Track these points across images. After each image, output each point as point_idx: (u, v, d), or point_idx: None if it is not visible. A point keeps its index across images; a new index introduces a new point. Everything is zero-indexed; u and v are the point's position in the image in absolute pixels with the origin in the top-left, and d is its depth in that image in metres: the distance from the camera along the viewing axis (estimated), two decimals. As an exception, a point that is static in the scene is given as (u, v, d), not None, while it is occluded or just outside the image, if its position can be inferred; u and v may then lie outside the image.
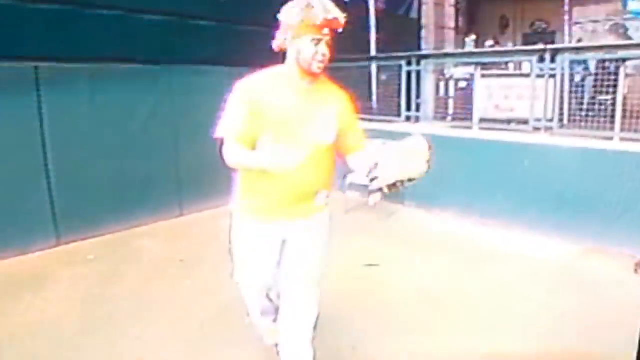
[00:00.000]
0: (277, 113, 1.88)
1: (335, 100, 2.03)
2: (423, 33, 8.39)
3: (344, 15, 1.87)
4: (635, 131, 4.11)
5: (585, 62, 5.74)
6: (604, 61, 4.57)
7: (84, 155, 4.26)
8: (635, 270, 3.68)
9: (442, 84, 7.23)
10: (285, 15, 1.86)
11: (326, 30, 1.83)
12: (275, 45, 1.92)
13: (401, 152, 1.90)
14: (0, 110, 3.79)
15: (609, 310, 3.10)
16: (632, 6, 6.22)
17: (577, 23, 8.96)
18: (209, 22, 5.06)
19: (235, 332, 2.86)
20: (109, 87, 4.37)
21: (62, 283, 3.56)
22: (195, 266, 3.83)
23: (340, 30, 1.88)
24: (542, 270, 3.74)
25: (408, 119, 5.48)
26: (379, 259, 3.92)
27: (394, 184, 1.88)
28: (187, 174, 4.97)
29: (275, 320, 2.40)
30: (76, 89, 4.20)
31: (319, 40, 1.83)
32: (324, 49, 1.84)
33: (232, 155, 1.89)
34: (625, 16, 7.86)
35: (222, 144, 1.91)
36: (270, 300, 2.41)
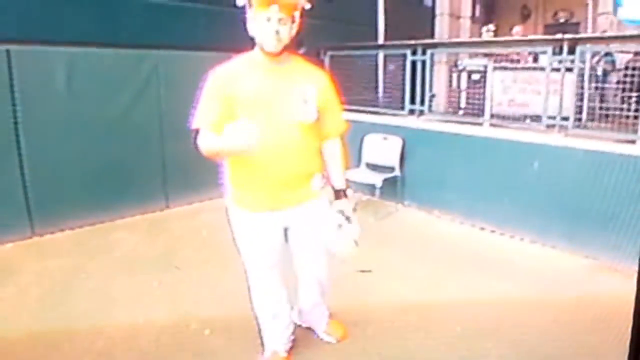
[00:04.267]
0: (249, 97, 1.86)
1: (313, 79, 2.00)
2: (437, 22, 7.82)
3: None
4: None
5: (610, 55, 5.18)
6: (636, 54, 4.02)
7: (61, 144, 3.93)
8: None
9: (455, 76, 6.76)
10: None
11: (274, 7, 1.80)
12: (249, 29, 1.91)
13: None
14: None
15: (618, 340, 2.63)
16: (622, 14, 5.60)
17: (602, 13, 8.26)
18: (201, 5, 4.63)
19: (192, 350, 2.51)
20: (88, 71, 4.00)
21: (25, 277, 3.27)
22: (167, 265, 3.48)
23: (302, 6, 1.88)
24: (547, 285, 3.25)
25: (412, 112, 5.00)
26: (370, 262, 3.48)
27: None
28: (174, 164, 4.59)
29: (288, 328, 2.35)
30: (52, 74, 3.84)
31: (269, 19, 1.81)
32: (275, 26, 1.81)
33: (205, 144, 1.85)
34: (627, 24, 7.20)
35: (196, 135, 1.88)
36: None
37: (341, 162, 2.15)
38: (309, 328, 2.59)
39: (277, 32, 1.82)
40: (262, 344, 2.39)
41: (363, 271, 3.41)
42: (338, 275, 2.59)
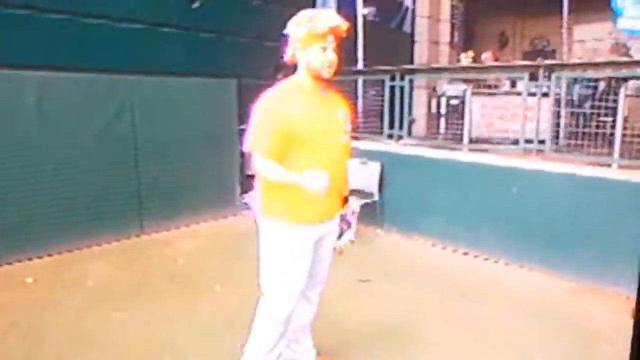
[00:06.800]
0: (301, 122, 1.97)
1: (343, 104, 2.18)
2: (416, 48, 7.99)
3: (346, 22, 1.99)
4: (637, 158, 3.64)
5: (586, 81, 5.32)
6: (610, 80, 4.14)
7: (31, 169, 3.84)
8: (633, 316, 3.19)
9: (434, 101, 6.85)
10: (292, 29, 1.98)
11: (330, 38, 1.95)
12: (287, 58, 2.03)
13: None
14: None
15: (599, 353, 2.62)
16: (622, 24, 5.79)
17: (577, 41, 8.55)
18: (176, 30, 4.64)
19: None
20: (59, 96, 3.95)
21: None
22: (140, 295, 3.38)
23: (344, 35, 2.00)
24: (528, 310, 3.22)
25: (390, 137, 5.05)
26: (350, 288, 3.46)
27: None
28: (150, 190, 4.53)
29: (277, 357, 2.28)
30: (21, 98, 3.78)
31: (325, 48, 1.95)
32: (331, 56, 1.96)
33: (268, 171, 1.99)
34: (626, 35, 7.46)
35: (250, 156, 2.02)
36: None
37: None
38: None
39: (332, 60, 1.97)
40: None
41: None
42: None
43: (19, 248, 3.84)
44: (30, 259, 3.89)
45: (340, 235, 2.22)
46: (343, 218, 2.23)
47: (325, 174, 1.88)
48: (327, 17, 1.96)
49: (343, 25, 1.98)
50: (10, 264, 3.81)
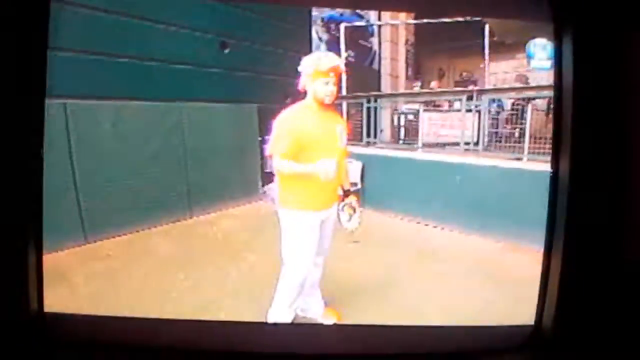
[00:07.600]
0: (309, 134, 1.97)
1: (341, 121, 2.17)
2: (382, 80, 7.92)
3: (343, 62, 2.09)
4: (537, 154, 3.82)
5: (499, 100, 5.35)
6: (517, 99, 4.23)
7: (108, 173, 3.72)
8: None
9: (396, 117, 6.80)
10: (304, 66, 2.00)
11: (332, 74, 1.96)
12: (300, 87, 2.03)
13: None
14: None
15: (520, 294, 2.58)
16: (533, 63, 5.86)
17: (492, 73, 8.55)
18: (213, 69, 4.52)
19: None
20: (129, 120, 3.85)
21: (77, 278, 2.99)
22: (191, 263, 3.29)
23: (342, 72, 2.02)
24: (471, 264, 3.26)
25: (368, 143, 5.00)
26: (340, 249, 3.37)
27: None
28: (196, 185, 4.42)
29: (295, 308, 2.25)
30: (100, 122, 3.66)
31: (327, 82, 1.95)
32: (331, 88, 1.98)
33: (286, 167, 1.95)
34: (527, 69, 7.51)
35: (270, 158, 2.01)
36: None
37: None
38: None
39: (332, 91, 1.98)
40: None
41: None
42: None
43: (101, 230, 3.72)
44: (113, 237, 3.77)
45: (349, 219, 2.19)
46: (350, 205, 2.21)
47: (334, 161, 1.85)
48: (330, 59, 1.97)
49: (341, 65, 2.01)
50: (97, 241, 3.68)
